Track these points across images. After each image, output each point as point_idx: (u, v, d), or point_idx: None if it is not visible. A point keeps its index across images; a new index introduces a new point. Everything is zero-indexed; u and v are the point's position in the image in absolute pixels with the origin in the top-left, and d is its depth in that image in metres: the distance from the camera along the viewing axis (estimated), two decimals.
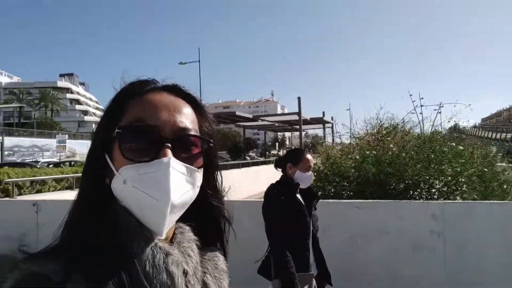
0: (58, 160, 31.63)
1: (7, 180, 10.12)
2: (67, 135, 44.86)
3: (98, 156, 0.62)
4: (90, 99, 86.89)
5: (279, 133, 66.57)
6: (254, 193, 15.91)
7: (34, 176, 11.79)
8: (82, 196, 0.63)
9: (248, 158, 36.67)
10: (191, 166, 0.61)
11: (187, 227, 0.68)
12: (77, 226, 0.60)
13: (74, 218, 0.62)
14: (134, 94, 0.64)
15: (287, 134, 74.60)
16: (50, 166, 23.63)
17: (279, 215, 2.39)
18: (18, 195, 9.43)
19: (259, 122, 31.12)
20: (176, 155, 0.59)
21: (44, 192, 11.45)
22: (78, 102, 79.64)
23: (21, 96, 65.16)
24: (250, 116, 29.31)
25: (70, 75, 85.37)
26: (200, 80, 33.22)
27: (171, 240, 0.64)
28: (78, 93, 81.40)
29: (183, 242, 0.64)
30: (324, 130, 31.16)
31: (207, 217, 0.71)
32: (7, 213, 5.45)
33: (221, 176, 0.73)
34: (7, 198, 7.34)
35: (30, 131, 49.18)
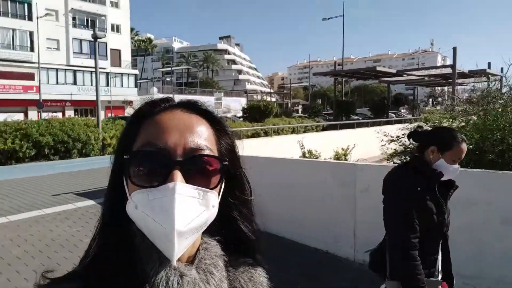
0: None
1: None
2: (223, 93, 49.99)
3: (116, 178, 0.63)
4: (244, 59, 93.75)
5: (437, 88, 59.64)
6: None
7: None
8: (102, 215, 0.65)
9: (393, 115, 34.51)
10: (203, 188, 0.59)
11: (214, 242, 0.66)
12: (96, 249, 0.63)
13: (94, 238, 0.64)
14: (146, 115, 0.63)
15: (446, 88, 66.16)
16: None
17: (412, 209, 1.92)
18: None
19: (406, 77, 28.64)
20: (187, 177, 0.57)
21: None
22: (234, 62, 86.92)
23: (188, 59, 74.81)
24: (393, 70, 27.13)
25: (227, 37, 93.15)
26: (344, 35, 32.22)
27: (194, 257, 0.63)
28: (234, 53, 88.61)
29: (206, 259, 0.63)
30: (489, 85, 26.66)
31: (235, 229, 0.69)
32: None
33: (249, 186, 0.71)
34: None
35: (195, 89, 56.60)
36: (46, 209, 6.45)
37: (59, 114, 32.38)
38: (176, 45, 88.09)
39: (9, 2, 32.64)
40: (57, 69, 35.52)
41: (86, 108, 38.61)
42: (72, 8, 36.59)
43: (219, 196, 0.62)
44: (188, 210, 0.56)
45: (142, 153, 0.58)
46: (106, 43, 39.00)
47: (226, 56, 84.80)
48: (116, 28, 41.64)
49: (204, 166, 0.60)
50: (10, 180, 9.61)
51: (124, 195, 0.59)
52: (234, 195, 0.68)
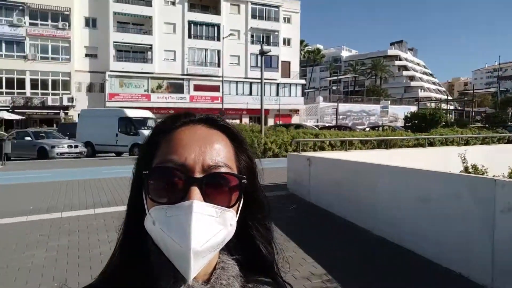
0: (380, 124, 34.79)
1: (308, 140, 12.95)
2: (389, 101, 47.59)
3: (135, 193, 0.63)
4: (418, 64, 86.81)
5: None
6: None
7: (344, 137, 14.31)
8: (122, 230, 0.65)
9: None
10: (221, 207, 0.58)
11: (231, 262, 0.65)
12: (113, 263, 0.64)
13: (115, 253, 0.66)
14: (167, 130, 0.63)
15: None
16: (367, 129, 26.53)
17: None
18: (302, 150, 11.92)
19: None
20: (206, 195, 0.57)
21: (350, 150, 13.78)
22: (405, 68, 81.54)
23: (356, 67, 74.08)
24: None
25: (399, 42, 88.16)
26: None
27: (210, 276, 0.62)
28: (406, 59, 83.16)
29: (222, 279, 0.62)
30: None
31: (254, 250, 0.68)
32: (294, 164, 7.52)
33: (268, 205, 0.70)
34: (295, 153, 9.79)
35: (361, 97, 55.57)
36: None
37: (237, 121, 37.06)
38: (345, 53, 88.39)
39: (204, 26, 39.29)
40: (237, 82, 40.73)
41: (259, 116, 42.90)
42: (251, 27, 41.36)
43: (237, 214, 0.61)
44: (205, 229, 0.55)
45: (161, 169, 0.58)
46: (278, 56, 42.53)
47: (397, 63, 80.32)
48: (287, 42, 44.87)
49: (222, 183, 0.59)
50: None
51: (143, 210, 0.59)
52: (252, 214, 0.67)
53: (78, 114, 24.40)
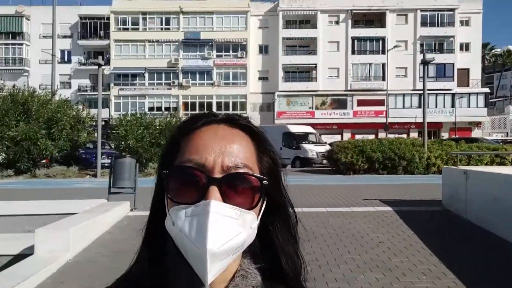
0: None
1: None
2: None
3: (158, 194, 0.62)
4: None
5: None
6: None
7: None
8: (145, 231, 0.65)
9: None
10: (240, 208, 0.56)
11: (253, 271, 0.62)
12: (134, 264, 0.64)
13: (137, 254, 0.65)
14: (188, 130, 0.62)
15: None
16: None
17: None
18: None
19: None
20: (225, 196, 0.55)
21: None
22: None
23: None
24: None
25: None
26: None
27: (229, 283, 0.60)
28: None
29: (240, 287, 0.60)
30: None
31: (277, 258, 0.64)
32: (449, 178, 7.04)
33: (293, 210, 0.67)
34: (451, 167, 8.82)
35: None
36: (354, 207, 7.99)
37: (404, 136, 34.98)
38: None
39: (367, 41, 38.94)
40: (403, 94, 38.53)
41: (430, 130, 39.30)
42: (420, 36, 38.66)
43: (258, 217, 0.59)
44: (223, 230, 0.53)
45: (180, 169, 0.58)
46: (453, 64, 38.35)
47: None
48: (465, 47, 40.03)
49: (242, 184, 0.58)
50: (346, 185, 12.14)
51: (165, 210, 0.59)
52: (273, 220, 0.64)
53: None
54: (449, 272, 4.37)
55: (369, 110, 38.24)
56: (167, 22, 38.68)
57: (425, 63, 15.83)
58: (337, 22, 38.76)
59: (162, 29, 38.70)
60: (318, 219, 6.78)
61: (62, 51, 37.76)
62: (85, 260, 4.77)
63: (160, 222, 0.60)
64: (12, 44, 38.50)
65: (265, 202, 0.60)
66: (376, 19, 39.46)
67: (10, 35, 38.55)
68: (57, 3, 24.53)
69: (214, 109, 38.28)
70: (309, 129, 23.31)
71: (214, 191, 0.55)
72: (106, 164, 15.76)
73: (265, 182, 0.59)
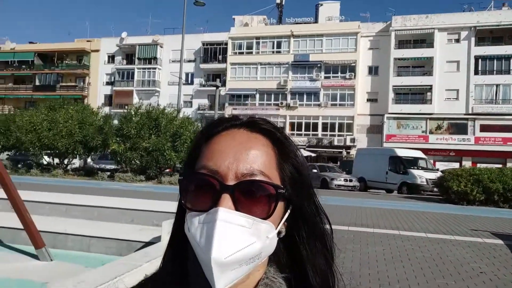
0: None
1: None
2: None
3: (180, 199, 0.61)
4: None
5: None
6: None
7: None
8: (170, 235, 0.64)
9: None
10: (253, 217, 0.54)
11: (279, 280, 0.60)
12: (159, 267, 0.64)
13: (163, 257, 0.65)
14: (208, 136, 0.61)
15: None
16: None
17: None
18: None
19: None
20: (238, 204, 0.54)
21: None
22: None
23: None
24: None
25: None
26: None
27: None
28: None
29: None
30: None
31: (304, 269, 0.61)
32: None
33: (327, 220, 0.64)
34: None
35: None
36: (458, 236, 7.57)
37: None
38: None
39: (494, 60, 35.14)
40: None
41: None
42: None
43: (278, 227, 0.57)
44: (232, 239, 0.52)
45: (194, 175, 0.58)
46: None
47: None
48: None
49: (256, 192, 0.55)
50: (454, 214, 11.32)
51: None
52: (300, 230, 0.61)
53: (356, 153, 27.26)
54: None
55: (495, 136, 34.18)
56: (279, 45, 40.73)
57: None
58: (457, 40, 35.97)
59: (273, 52, 40.86)
60: (415, 243, 6.68)
61: (187, 74, 42.46)
62: None
63: (181, 228, 0.59)
64: (148, 68, 44.84)
65: (288, 211, 0.59)
66: (506, 35, 35.46)
67: (147, 61, 45.03)
68: (186, 31, 28.14)
69: (319, 129, 38.63)
70: (418, 153, 22.02)
71: (226, 199, 0.54)
72: None
73: (281, 191, 0.56)
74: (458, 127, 35.48)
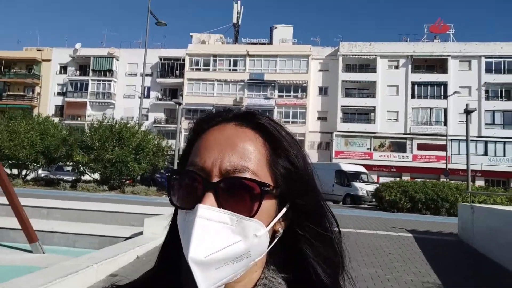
0: None
1: None
2: None
3: None
4: None
5: None
6: None
7: None
8: (167, 232, 0.64)
9: None
10: (238, 214, 0.51)
11: (278, 279, 0.58)
12: (155, 264, 0.63)
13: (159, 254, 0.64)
14: (199, 132, 0.59)
15: None
16: None
17: None
18: None
19: None
20: (222, 201, 0.52)
21: None
22: None
23: None
24: None
25: None
26: None
27: None
28: None
29: None
30: None
31: (306, 268, 0.59)
32: (462, 213, 8.25)
33: (333, 217, 0.62)
34: (464, 203, 9.85)
35: None
36: (379, 231, 9.37)
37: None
38: None
39: (428, 86, 39.26)
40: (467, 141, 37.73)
41: (497, 179, 37.62)
42: (485, 82, 38.24)
43: (269, 225, 0.54)
44: (213, 238, 0.50)
45: (180, 173, 0.57)
46: None
47: None
48: None
49: (240, 189, 0.53)
50: (383, 218, 13.30)
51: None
52: (304, 227, 0.58)
53: None
54: (435, 276, 5.77)
55: (429, 154, 37.93)
56: (235, 63, 42.58)
57: (467, 112, 16.68)
58: (396, 67, 39.84)
59: (230, 70, 42.61)
60: (345, 236, 8.36)
61: (143, 88, 42.95)
62: None
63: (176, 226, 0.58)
64: (103, 80, 44.59)
65: (284, 209, 0.57)
66: (437, 64, 39.91)
67: (102, 73, 44.88)
68: (143, 46, 29.00)
69: None
70: (361, 168, 24.40)
71: (208, 196, 0.52)
72: None
73: (265, 188, 0.53)
74: (398, 145, 38.95)
